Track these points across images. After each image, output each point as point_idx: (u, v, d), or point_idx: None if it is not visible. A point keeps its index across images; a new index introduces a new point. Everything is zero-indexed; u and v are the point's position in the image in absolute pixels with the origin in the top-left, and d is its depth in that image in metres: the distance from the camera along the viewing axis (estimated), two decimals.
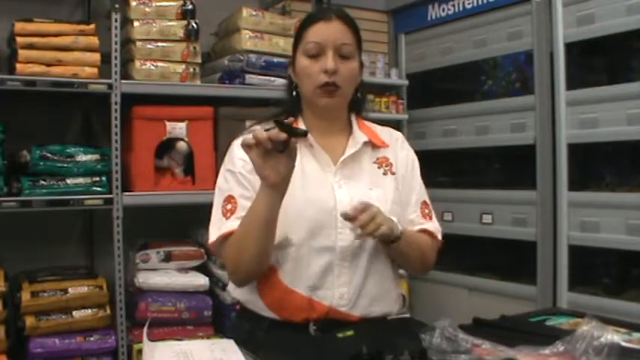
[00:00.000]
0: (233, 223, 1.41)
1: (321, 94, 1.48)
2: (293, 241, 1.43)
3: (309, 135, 1.46)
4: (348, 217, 1.35)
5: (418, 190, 1.60)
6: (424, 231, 1.57)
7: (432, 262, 1.60)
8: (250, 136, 1.26)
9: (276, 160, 1.27)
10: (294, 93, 1.55)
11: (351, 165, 1.52)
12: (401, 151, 1.61)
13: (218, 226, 1.45)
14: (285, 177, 1.30)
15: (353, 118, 1.60)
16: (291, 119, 1.29)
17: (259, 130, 1.26)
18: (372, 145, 1.56)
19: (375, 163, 1.55)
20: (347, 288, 1.44)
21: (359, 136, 1.55)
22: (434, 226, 1.59)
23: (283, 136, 1.24)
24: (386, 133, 1.63)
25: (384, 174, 1.55)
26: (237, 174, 1.46)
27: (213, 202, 1.50)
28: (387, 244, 1.43)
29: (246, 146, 1.28)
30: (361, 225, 1.33)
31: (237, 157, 1.48)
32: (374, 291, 1.48)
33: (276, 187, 1.31)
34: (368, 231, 1.34)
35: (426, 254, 1.56)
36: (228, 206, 1.44)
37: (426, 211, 1.60)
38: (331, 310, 1.44)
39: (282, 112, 1.55)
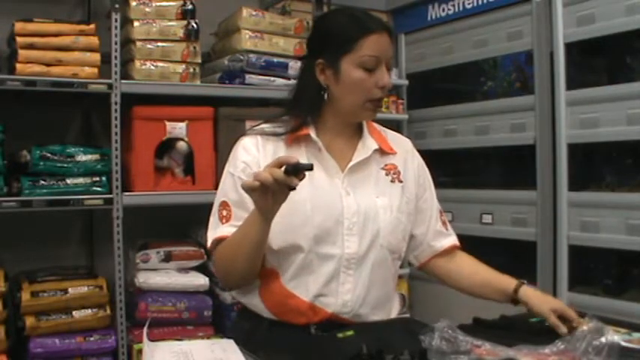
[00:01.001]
0: (226, 229, 1.43)
1: (370, 107, 1.47)
2: (299, 247, 1.42)
3: (318, 141, 1.47)
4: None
5: (434, 199, 1.64)
6: (457, 247, 1.66)
7: None
8: (253, 180, 1.22)
9: (276, 193, 1.24)
10: (325, 96, 1.49)
11: (359, 171, 1.50)
12: (412, 161, 1.61)
13: (214, 229, 1.47)
14: (281, 204, 1.28)
15: (364, 121, 1.58)
16: (294, 158, 1.23)
17: (261, 173, 1.21)
18: (381, 151, 1.55)
19: (382, 169, 1.54)
20: (351, 295, 1.44)
21: (369, 143, 1.53)
22: (454, 236, 1.65)
23: (297, 182, 1.21)
24: (396, 140, 1.62)
25: (392, 181, 1.53)
26: (236, 178, 1.46)
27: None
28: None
29: (249, 189, 1.24)
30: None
31: (240, 159, 1.48)
32: (376, 299, 1.49)
33: (273, 216, 1.31)
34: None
35: None
36: (224, 212, 1.46)
37: (443, 218, 1.65)
38: (333, 316, 1.44)
39: (292, 108, 1.52)
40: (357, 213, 1.44)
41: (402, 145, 1.62)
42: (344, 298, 1.44)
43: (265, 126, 1.53)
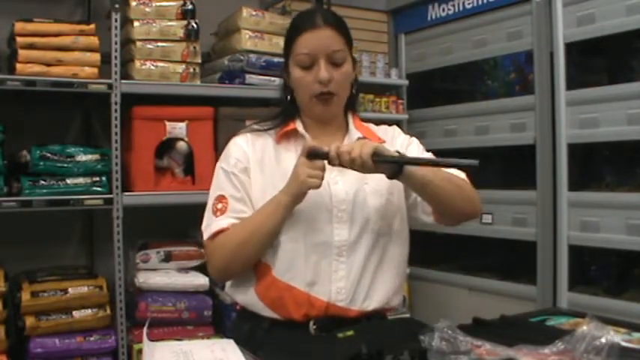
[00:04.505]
0: (224, 221, 1.46)
1: (317, 103, 1.51)
2: (289, 238, 1.45)
3: (306, 135, 1.53)
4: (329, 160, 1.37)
5: (426, 154, 1.59)
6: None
7: (477, 198, 1.53)
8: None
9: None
10: (289, 97, 1.57)
11: None
12: (398, 139, 1.63)
13: (209, 225, 1.49)
14: None
15: (350, 116, 1.61)
16: (315, 144, 1.40)
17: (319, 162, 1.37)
18: None
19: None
20: (344, 282, 1.45)
21: (354, 134, 1.57)
22: (455, 170, 1.54)
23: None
24: (382, 131, 1.65)
25: None
26: (230, 173, 1.51)
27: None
28: (394, 176, 1.38)
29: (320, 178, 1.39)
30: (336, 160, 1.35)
31: (232, 155, 1.54)
32: (370, 284, 1.48)
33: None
34: (344, 162, 1.34)
35: (464, 187, 1.51)
36: (219, 205, 1.49)
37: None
38: (330, 306, 1.44)
39: (280, 113, 1.59)
40: (345, 201, 1.47)
41: (389, 134, 1.64)
42: (338, 285, 1.45)
43: (255, 126, 1.60)
